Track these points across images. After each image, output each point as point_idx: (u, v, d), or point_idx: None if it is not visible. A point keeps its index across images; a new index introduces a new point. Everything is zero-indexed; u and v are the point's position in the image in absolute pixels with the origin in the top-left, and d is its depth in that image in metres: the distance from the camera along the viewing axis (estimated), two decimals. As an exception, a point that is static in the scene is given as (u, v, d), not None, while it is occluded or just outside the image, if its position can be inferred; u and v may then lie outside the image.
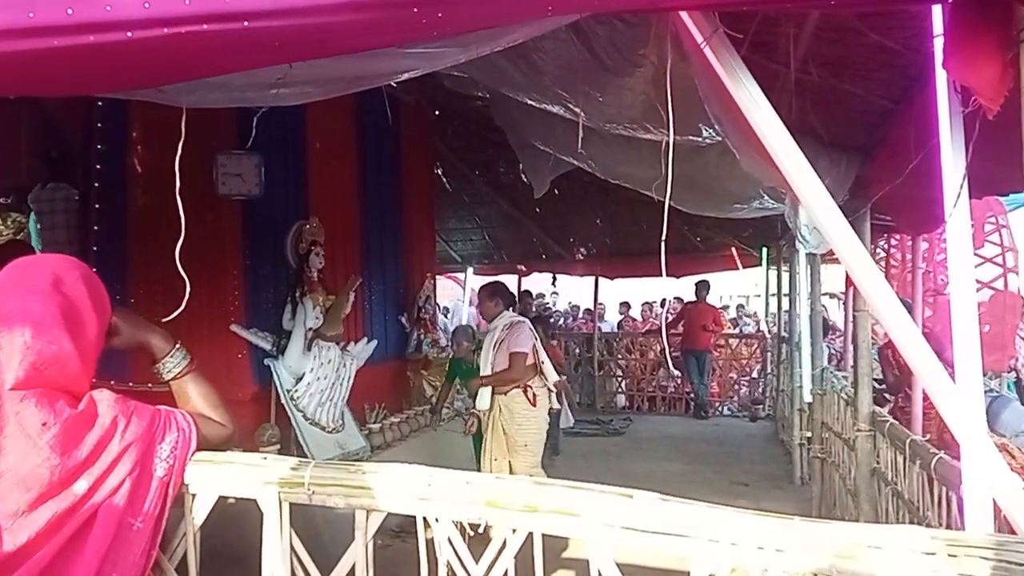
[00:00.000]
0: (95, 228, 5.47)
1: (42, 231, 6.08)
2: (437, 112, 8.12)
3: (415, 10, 1.34)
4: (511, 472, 5.00)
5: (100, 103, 5.00)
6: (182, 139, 2.19)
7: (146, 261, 5.16)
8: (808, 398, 6.00)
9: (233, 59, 1.57)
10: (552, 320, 8.89)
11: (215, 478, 1.67)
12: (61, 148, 6.34)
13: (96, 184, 5.49)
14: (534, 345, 5.04)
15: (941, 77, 1.61)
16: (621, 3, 1.42)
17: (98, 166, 5.49)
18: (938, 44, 1.65)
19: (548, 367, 5.16)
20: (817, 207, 1.74)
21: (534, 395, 4.97)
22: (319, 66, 1.80)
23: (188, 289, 2.29)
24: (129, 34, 1.40)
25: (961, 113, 1.68)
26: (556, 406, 5.19)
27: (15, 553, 1.42)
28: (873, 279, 1.73)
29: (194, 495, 1.69)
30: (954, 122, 1.69)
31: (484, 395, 5.15)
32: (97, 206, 5.47)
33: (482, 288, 5.79)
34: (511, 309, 5.43)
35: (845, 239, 1.72)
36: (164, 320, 1.92)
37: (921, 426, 4.34)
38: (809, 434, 6.18)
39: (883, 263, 7.14)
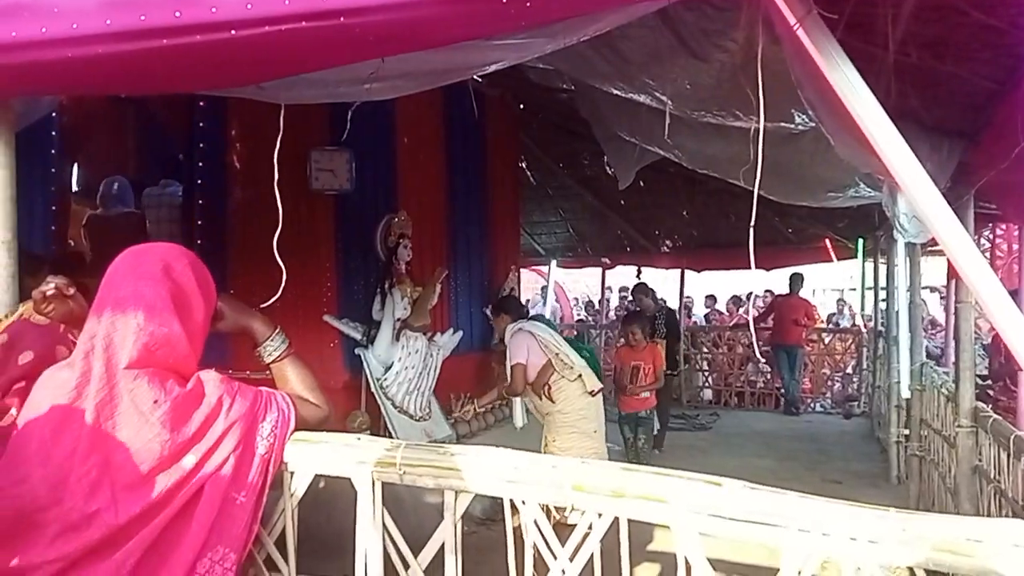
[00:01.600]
0: (199, 223, 5.75)
1: (155, 223, 6.43)
2: (522, 106, 8.16)
3: (504, 1, 1.36)
4: None
5: (202, 103, 5.24)
6: (280, 134, 2.28)
7: (244, 253, 5.38)
8: (906, 394, 5.76)
9: (330, 54, 1.63)
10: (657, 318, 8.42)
11: (312, 457, 1.74)
12: (167, 148, 6.70)
13: (199, 181, 5.77)
14: (539, 344, 4.85)
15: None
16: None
17: (200, 163, 5.76)
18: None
19: (568, 352, 4.93)
20: (918, 194, 1.68)
21: (550, 390, 4.89)
22: (410, 60, 1.85)
23: (284, 277, 2.37)
24: (233, 32, 1.48)
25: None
26: (597, 386, 4.94)
27: (129, 523, 1.52)
28: (978, 268, 1.65)
29: (292, 472, 1.77)
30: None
31: (516, 413, 5.17)
32: (200, 202, 5.74)
33: (492, 309, 5.80)
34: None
35: (948, 226, 1.65)
36: (262, 307, 2.01)
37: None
38: (907, 431, 5.94)
39: (988, 253, 6.79)
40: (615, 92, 3.38)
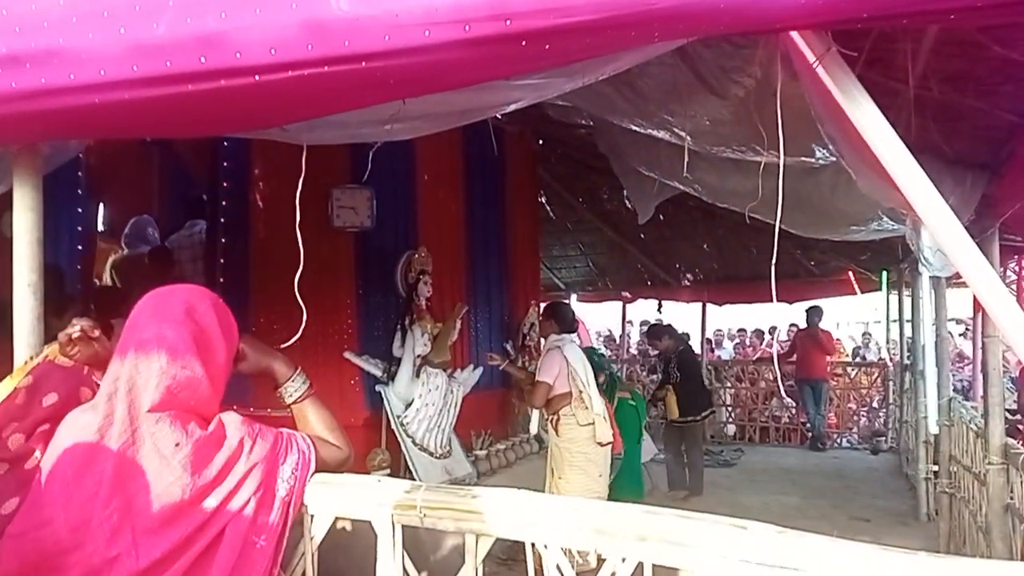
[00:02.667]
0: (221, 261, 5.81)
1: (178, 264, 6.51)
2: (541, 141, 8.22)
3: (523, 43, 1.38)
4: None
5: (226, 143, 5.32)
6: (302, 175, 2.30)
7: (267, 291, 5.41)
8: (934, 429, 5.66)
9: (351, 98, 1.65)
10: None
11: (332, 499, 1.73)
12: (191, 188, 6.81)
13: (222, 220, 5.84)
14: (569, 373, 4.86)
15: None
16: (728, 26, 1.41)
17: (224, 203, 5.84)
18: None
19: (593, 396, 4.91)
20: (941, 229, 1.66)
21: (557, 421, 4.82)
22: (430, 101, 1.87)
23: (305, 317, 2.39)
24: (257, 78, 1.50)
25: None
26: (607, 440, 4.86)
27: (150, 567, 1.52)
28: (1003, 302, 1.62)
29: (312, 515, 1.76)
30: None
31: (533, 419, 5.14)
32: (223, 240, 5.81)
33: (545, 307, 5.70)
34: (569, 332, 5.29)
35: (972, 261, 1.63)
36: (282, 346, 2.02)
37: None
38: (936, 467, 5.82)
39: (1014, 286, 6.70)
40: (634, 128, 3.40)
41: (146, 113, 1.65)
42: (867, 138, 1.64)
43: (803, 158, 3.03)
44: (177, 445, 1.56)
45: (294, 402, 1.88)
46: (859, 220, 4.16)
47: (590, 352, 6.99)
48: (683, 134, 3.12)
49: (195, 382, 1.62)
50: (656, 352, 8.93)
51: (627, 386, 7.81)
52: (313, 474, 1.73)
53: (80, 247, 5.46)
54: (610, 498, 6.75)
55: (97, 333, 1.86)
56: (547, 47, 1.40)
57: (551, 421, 4.86)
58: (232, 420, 1.67)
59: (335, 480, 1.75)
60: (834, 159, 2.99)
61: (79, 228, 5.45)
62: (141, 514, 1.54)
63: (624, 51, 1.71)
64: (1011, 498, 3.32)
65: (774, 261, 2.27)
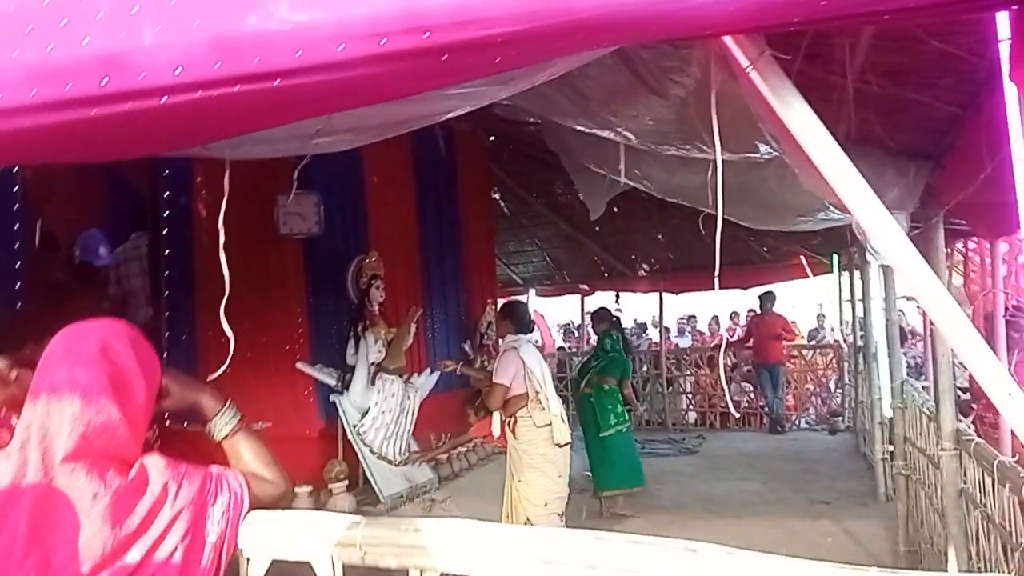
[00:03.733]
0: (166, 273, 5.64)
1: (121, 280, 6.31)
2: (492, 138, 8.14)
3: (443, 58, 1.30)
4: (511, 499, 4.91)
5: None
6: (226, 196, 2.20)
7: (214, 303, 5.25)
8: (888, 412, 5.73)
9: (269, 116, 1.56)
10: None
11: (268, 540, 1.64)
12: (134, 199, 6.59)
13: (165, 230, 5.67)
14: (525, 374, 4.78)
15: (1010, 87, 1.49)
16: (655, 34, 1.35)
17: (166, 213, 5.67)
18: (1003, 50, 1.54)
19: (550, 396, 4.85)
20: (879, 231, 1.63)
21: (514, 423, 4.80)
22: (359, 114, 1.79)
23: (232, 345, 2.27)
24: (164, 99, 1.40)
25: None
26: (565, 440, 4.81)
27: (72, 625, 1.42)
28: (940, 299, 1.60)
29: (248, 559, 1.67)
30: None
31: (495, 422, 5.10)
32: (167, 252, 5.65)
33: (500, 308, 5.62)
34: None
35: (910, 263, 1.60)
36: (210, 378, 1.92)
37: (1010, 440, 4.10)
38: (891, 448, 5.90)
39: (961, 266, 6.81)
40: (579, 128, 3.34)
41: (50, 140, 1.54)
42: (801, 142, 1.60)
43: (747, 154, 3.01)
44: (95, 496, 1.46)
45: (224, 438, 1.78)
46: (806, 211, 4.17)
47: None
48: (627, 134, 3.07)
49: (112, 426, 1.52)
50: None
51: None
52: (247, 514, 1.64)
53: (18, 265, 5.26)
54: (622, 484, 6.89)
55: (14, 374, 1.75)
56: (469, 60, 1.33)
57: (508, 423, 4.81)
58: (155, 463, 1.57)
59: (271, 519, 1.66)
60: (777, 154, 2.97)
61: (16, 245, 5.22)
62: (60, 571, 1.44)
63: (553, 60, 1.64)
64: (964, 483, 3.34)
65: (718, 256, 2.23)
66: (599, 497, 6.83)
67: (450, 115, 2.11)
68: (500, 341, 5.17)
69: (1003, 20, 1.49)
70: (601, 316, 8.09)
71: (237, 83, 1.37)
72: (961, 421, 3.80)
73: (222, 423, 1.78)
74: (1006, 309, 4.49)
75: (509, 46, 1.29)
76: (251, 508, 1.66)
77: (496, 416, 5.11)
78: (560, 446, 4.81)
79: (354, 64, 1.31)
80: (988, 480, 2.86)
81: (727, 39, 1.48)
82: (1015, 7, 1.30)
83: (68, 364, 1.53)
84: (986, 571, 2.97)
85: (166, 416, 4.14)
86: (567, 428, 4.91)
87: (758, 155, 3.05)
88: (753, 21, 1.30)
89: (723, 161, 2.19)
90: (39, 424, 1.49)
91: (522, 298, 12.40)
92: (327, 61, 1.32)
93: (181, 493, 1.55)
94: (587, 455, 6.94)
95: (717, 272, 2.46)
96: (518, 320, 5.19)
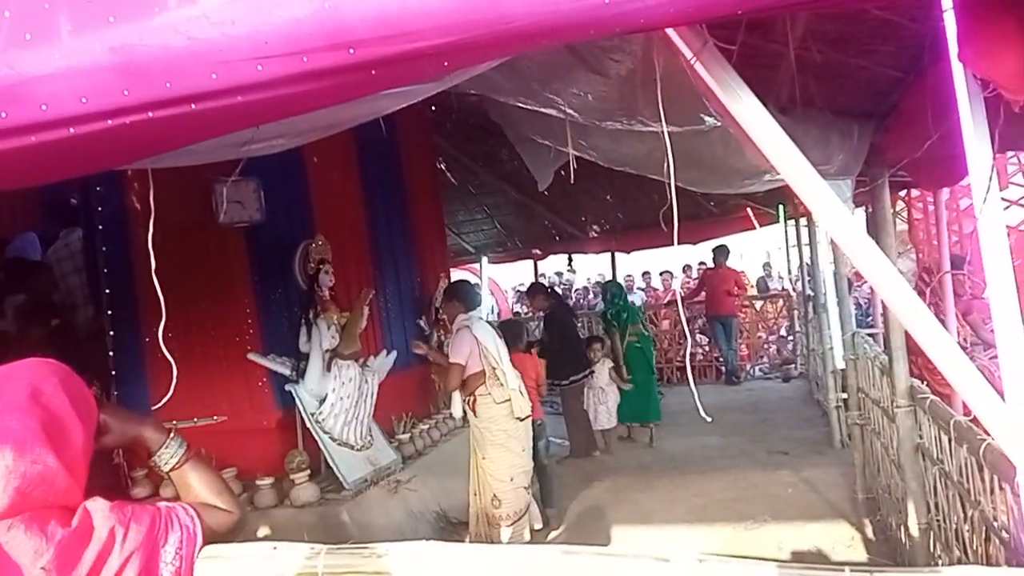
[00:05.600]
0: (104, 270, 5.44)
1: (60, 278, 6.07)
2: (433, 107, 7.97)
3: (372, 72, 1.22)
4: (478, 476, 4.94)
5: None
6: (152, 216, 2.08)
7: (157, 298, 5.11)
8: (841, 364, 5.84)
9: (188, 136, 1.47)
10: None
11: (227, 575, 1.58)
12: (60, 194, 6.32)
13: (100, 226, 5.46)
14: (480, 352, 4.80)
15: (958, 66, 1.47)
16: (596, 33, 1.29)
17: (99, 208, 5.45)
18: (948, 20, 1.52)
19: (507, 371, 4.88)
20: (825, 214, 1.63)
21: (474, 401, 4.81)
22: (287, 122, 1.69)
23: (176, 373, 2.16)
24: (72, 130, 1.30)
25: (982, 96, 1.55)
26: (525, 413, 4.87)
27: None
28: (888, 278, 1.60)
29: (207, 594, 1.61)
30: (975, 107, 1.55)
31: (456, 402, 5.12)
32: (104, 248, 5.44)
33: (445, 291, 5.63)
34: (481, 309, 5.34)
35: (857, 243, 1.60)
36: (154, 408, 1.84)
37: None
38: (845, 396, 6.03)
39: (904, 214, 6.93)
40: (520, 106, 3.26)
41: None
42: (746, 128, 1.57)
43: (692, 127, 2.97)
44: (36, 552, 1.38)
45: (171, 469, 1.70)
46: (751, 174, 4.17)
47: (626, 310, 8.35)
48: (569, 111, 3.01)
49: (49, 476, 1.43)
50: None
51: (634, 330, 8.40)
52: (201, 549, 1.58)
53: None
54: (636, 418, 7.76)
55: None
56: (399, 72, 1.25)
57: (468, 402, 4.79)
58: (99, 508, 1.49)
59: (228, 553, 1.60)
60: (720, 124, 2.93)
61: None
62: (4, 631, 1.36)
63: (487, 63, 1.57)
64: (920, 438, 3.41)
65: (675, 220, 2.20)
66: (649, 427, 7.86)
67: (385, 112, 2.02)
68: (452, 324, 5.12)
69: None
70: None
71: (149, 109, 1.29)
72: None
73: (168, 454, 1.70)
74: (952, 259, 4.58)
75: (441, 57, 1.21)
76: (206, 541, 1.59)
77: (456, 397, 5.09)
78: (521, 420, 4.82)
79: (275, 84, 1.23)
80: (944, 437, 2.91)
81: (670, 31, 1.42)
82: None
83: None
84: (945, 523, 3.04)
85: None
86: (527, 401, 4.92)
87: (703, 127, 3.02)
88: (696, 15, 1.25)
89: (669, 133, 2.15)
90: None
91: (475, 266, 12.38)
92: (245, 82, 1.23)
93: (129, 536, 1.48)
94: (638, 397, 7.92)
95: (676, 234, 2.47)
96: (465, 298, 5.19)
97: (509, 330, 5.77)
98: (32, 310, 5.25)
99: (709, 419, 2.75)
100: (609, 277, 14.27)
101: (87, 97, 1.26)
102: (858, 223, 1.63)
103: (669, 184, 2.13)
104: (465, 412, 5.10)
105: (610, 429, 7.75)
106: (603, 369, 7.71)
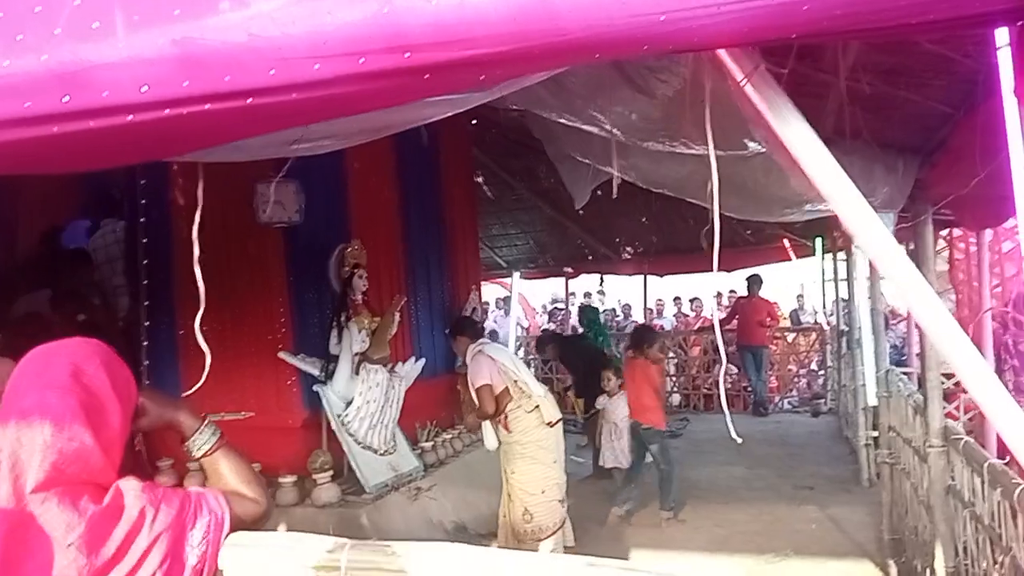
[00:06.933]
0: (144, 262, 5.55)
1: (98, 267, 6.19)
2: (474, 121, 8.03)
3: (425, 77, 1.25)
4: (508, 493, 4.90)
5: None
6: (199, 206, 2.13)
7: (193, 291, 5.18)
8: (873, 401, 5.74)
9: (241, 131, 1.50)
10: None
11: (249, 563, 1.60)
12: (105, 185, 6.45)
13: (142, 219, 5.57)
14: (499, 369, 4.82)
15: (1011, 99, 1.45)
16: (648, 50, 1.29)
17: (143, 200, 5.57)
18: (1002, 57, 1.51)
19: (528, 380, 4.91)
20: (871, 241, 1.61)
21: (505, 419, 4.80)
22: (337, 122, 1.73)
23: (208, 360, 2.19)
24: (130, 117, 1.34)
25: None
26: (555, 417, 4.87)
27: (46, 656, 1.38)
28: (930, 306, 1.58)
29: (229, 582, 1.63)
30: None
31: (488, 435, 5.07)
32: (144, 240, 5.55)
33: (449, 331, 5.66)
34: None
35: (901, 272, 1.58)
36: (186, 394, 1.87)
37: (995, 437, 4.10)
38: (875, 434, 5.93)
39: (947, 253, 6.83)
40: (563, 122, 3.28)
41: (9, 155, 1.47)
42: (795, 153, 1.57)
43: (735, 152, 2.96)
44: (68, 526, 1.41)
45: (203, 455, 1.73)
46: (793, 203, 4.14)
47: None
48: (612, 129, 3.02)
49: (85, 453, 1.47)
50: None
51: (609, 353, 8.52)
52: (228, 535, 1.60)
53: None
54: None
55: None
56: (452, 78, 1.27)
57: (501, 421, 4.78)
58: (131, 488, 1.52)
59: (253, 541, 1.62)
60: (764, 150, 2.92)
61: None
62: (33, 603, 1.39)
63: (536, 75, 1.59)
64: (952, 480, 3.34)
65: (716, 246, 2.20)
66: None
67: (433, 120, 2.05)
68: (466, 358, 5.10)
69: (1002, 31, 1.46)
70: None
71: (206, 102, 1.32)
72: (946, 407, 3.80)
73: (200, 441, 1.73)
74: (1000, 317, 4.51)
75: (494, 65, 1.23)
76: (233, 529, 1.61)
77: (488, 429, 5.07)
78: (551, 425, 4.81)
79: (330, 83, 1.26)
80: (977, 480, 2.85)
81: (721, 52, 1.43)
82: (1018, 23, 1.26)
83: (38, 389, 1.47)
84: (973, 567, 2.97)
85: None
86: (554, 406, 4.91)
87: (745, 152, 3.01)
88: (750, 37, 1.25)
89: (712, 162, 2.15)
90: (9, 452, 1.43)
91: (507, 280, 12.41)
92: (301, 80, 1.26)
93: (159, 517, 1.51)
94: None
95: (717, 260, 2.49)
96: (470, 331, 5.35)
97: (638, 335, 6.43)
98: (63, 301, 5.35)
99: (740, 440, 2.72)
100: (627, 300, 14.42)
101: (148, 86, 1.29)
102: (904, 255, 1.61)
103: (712, 208, 2.13)
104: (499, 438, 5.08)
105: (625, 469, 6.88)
106: (620, 403, 6.75)
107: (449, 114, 2.01)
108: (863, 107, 2.62)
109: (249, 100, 1.30)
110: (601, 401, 6.94)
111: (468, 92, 1.76)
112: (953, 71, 2.19)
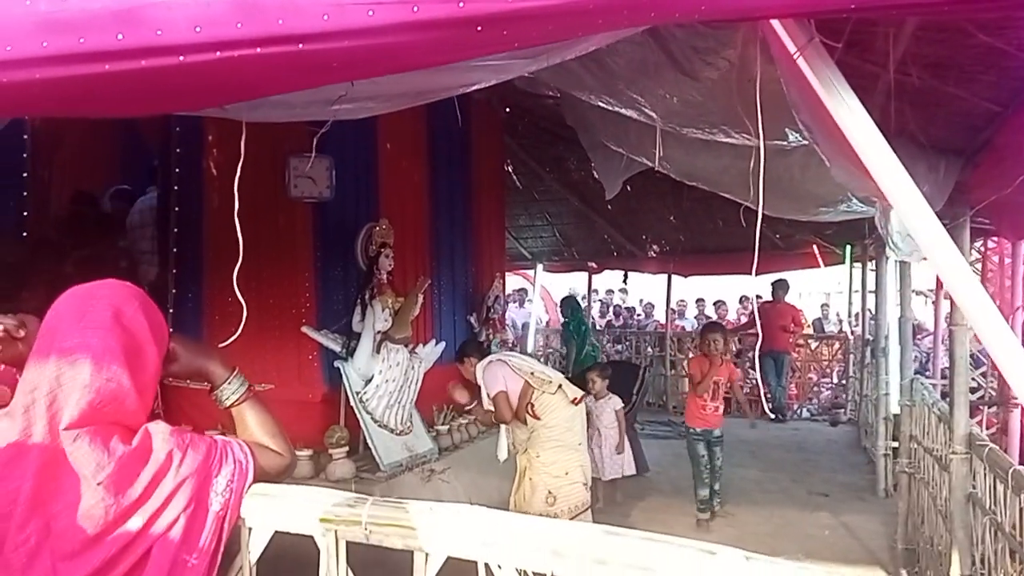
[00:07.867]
0: (175, 230, 5.59)
1: (130, 232, 6.26)
2: (508, 109, 8.02)
3: (478, 29, 1.24)
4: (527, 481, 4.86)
5: (177, 107, 5.08)
6: (241, 160, 2.14)
7: (222, 262, 5.21)
8: (896, 409, 5.68)
9: (290, 80, 1.51)
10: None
11: (272, 512, 1.61)
12: (145, 154, 6.52)
13: (176, 188, 5.61)
14: (512, 370, 4.81)
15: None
16: (706, 13, 1.28)
17: (177, 169, 5.61)
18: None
19: (544, 368, 4.93)
20: (916, 222, 1.58)
21: (533, 408, 4.76)
22: (382, 82, 1.73)
23: (245, 313, 2.22)
24: (181, 58, 1.35)
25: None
26: (578, 394, 4.85)
27: (70, 592, 1.39)
28: (975, 296, 1.55)
29: (250, 529, 1.64)
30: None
31: (501, 445, 5.07)
32: (177, 209, 5.59)
33: (457, 355, 5.55)
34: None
35: (945, 254, 1.56)
36: (221, 345, 1.88)
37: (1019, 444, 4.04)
38: (895, 444, 5.87)
39: (979, 264, 6.73)
40: (601, 105, 3.26)
41: (60, 93, 1.48)
42: (846, 130, 1.54)
43: (776, 141, 2.93)
44: (98, 465, 1.42)
45: (231, 405, 1.74)
46: (829, 202, 4.09)
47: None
48: (651, 113, 3.00)
49: (121, 395, 1.48)
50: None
51: (590, 343, 8.68)
52: (251, 485, 1.61)
53: (25, 213, 5.19)
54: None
55: (23, 333, 1.71)
56: (504, 32, 1.26)
57: (529, 412, 4.76)
58: (160, 431, 1.53)
59: (275, 491, 1.63)
60: (805, 143, 2.89)
61: (24, 194, 5.15)
62: (60, 538, 1.41)
63: (588, 36, 1.58)
64: (973, 487, 3.30)
65: (757, 240, 2.19)
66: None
67: (475, 87, 2.04)
68: (477, 379, 5.07)
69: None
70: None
71: (259, 45, 1.32)
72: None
73: (229, 391, 1.74)
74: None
75: (547, 20, 1.22)
76: (256, 479, 1.62)
77: (503, 438, 5.06)
78: (575, 403, 4.81)
79: (384, 31, 1.25)
80: (1000, 487, 2.81)
81: (775, 23, 1.41)
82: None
83: (79, 329, 1.48)
84: (990, 577, 2.94)
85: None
86: (574, 386, 4.91)
87: (785, 143, 2.98)
88: (809, 5, 1.23)
89: (750, 147, 2.13)
90: (47, 390, 1.44)
91: (530, 272, 12.39)
92: (355, 27, 1.26)
93: (185, 461, 1.52)
94: None
95: (757, 256, 2.50)
96: (475, 351, 5.32)
97: (709, 329, 6.58)
98: (89, 263, 5.40)
99: (754, 426, 2.69)
100: (649, 300, 14.33)
101: (201, 26, 1.30)
102: (950, 241, 1.58)
103: (757, 194, 2.11)
104: (511, 448, 5.07)
105: (611, 481, 6.54)
106: (607, 407, 6.46)
107: (493, 82, 2.01)
108: (910, 102, 2.58)
109: (300, 45, 1.30)
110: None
111: (512, 58, 1.75)
112: (1005, 65, 2.15)
